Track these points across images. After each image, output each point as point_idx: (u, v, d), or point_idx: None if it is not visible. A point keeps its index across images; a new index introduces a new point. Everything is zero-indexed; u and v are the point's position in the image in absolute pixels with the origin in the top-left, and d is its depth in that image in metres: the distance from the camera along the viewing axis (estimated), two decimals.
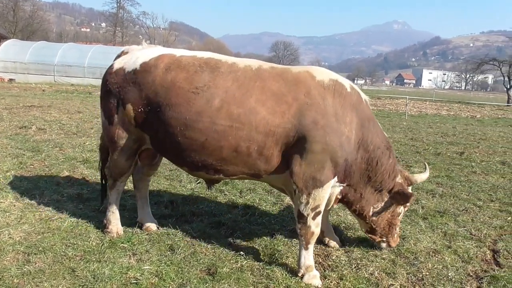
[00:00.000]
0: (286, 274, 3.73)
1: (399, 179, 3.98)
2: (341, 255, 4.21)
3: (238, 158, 3.68)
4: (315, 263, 3.90)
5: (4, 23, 51.61)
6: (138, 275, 3.55)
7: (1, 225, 4.37)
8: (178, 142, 3.75)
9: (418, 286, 3.72)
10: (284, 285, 3.57)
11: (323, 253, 4.26)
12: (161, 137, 3.88)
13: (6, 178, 5.89)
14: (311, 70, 3.84)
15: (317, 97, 3.60)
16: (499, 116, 25.03)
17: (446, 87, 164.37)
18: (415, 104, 31.27)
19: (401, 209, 4.11)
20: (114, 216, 4.36)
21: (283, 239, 4.46)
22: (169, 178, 6.59)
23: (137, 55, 4.02)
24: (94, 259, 3.77)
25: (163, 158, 4.57)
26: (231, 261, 3.91)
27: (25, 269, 3.53)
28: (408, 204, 4.10)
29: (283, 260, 4.02)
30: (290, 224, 4.91)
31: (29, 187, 5.63)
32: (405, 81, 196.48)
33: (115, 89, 3.99)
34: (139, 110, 3.89)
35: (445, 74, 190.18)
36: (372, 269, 3.91)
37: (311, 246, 3.77)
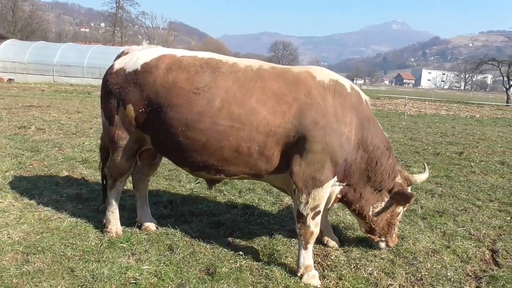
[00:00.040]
0: (285, 274, 3.73)
1: (398, 179, 3.99)
2: (340, 255, 4.21)
3: (239, 158, 3.69)
4: (314, 262, 3.90)
5: (3, 23, 51.56)
6: (137, 275, 3.55)
7: (0, 225, 4.37)
8: (180, 143, 3.76)
9: (417, 286, 3.72)
10: (283, 285, 3.57)
11: (322, 253, 4.27)
12: (162, 137, 3.88)
13: (5, 178, 5.88)
14: (311, 70, 3.84)
15: (317, 97, 3.61)
16: (498, 116, 25.06)
17: (445, 87, 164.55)
18: (414, 104, 31.28)
19: (400, 209, 4.12)
20: (113, 216, 4.36)
21: (282, 239, 4.46)
22: (168, 178, 6.59)
23: (138, 56, 4.02)
24: (93, 259, 3.77)
25: (163, 158, 4.57)
26: (230, 261, 3.91)
27: (24, 269, 3.52)
28: (407, 204, 4.11)
29: (282, 260, 4.02)
30: (289, 224, 4.91)
31: (28, 187, 5.63)
32: (404, 81, 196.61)
33: (115, 90, 3.98)
34: (140, 110, 3.89)
35: (444, 74, 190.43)
36: (371, 269, 3.91)
37: (310, 246, 3.78)
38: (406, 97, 25.70)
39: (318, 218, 3.75)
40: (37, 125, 10.47)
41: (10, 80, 29.33)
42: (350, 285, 3.63)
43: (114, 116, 4.04)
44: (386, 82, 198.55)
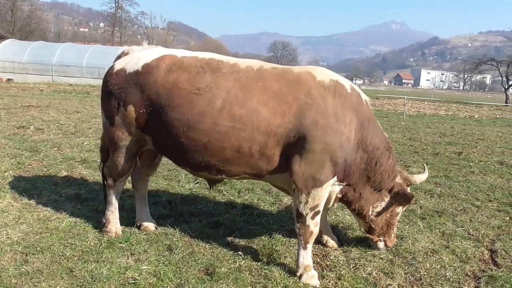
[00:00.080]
0: (284, 274, 3.73)
1: (398, 180, 4.00)
2: (339, 255, 4.21)
3: (241, 158, 3.69)
4: (313, 262, 3.90)
5: (2, 23, 51.53)
6: (136, 275, 3.54)
7: None
8: (181, 143, 3.76)
9: (416, 286, 3.73)
10: (282, 285, 3.57)
11: (321, 253, 4.27)
12: (163, 138, 3.88)
13: (4, 178, 5.88)
14: (312, 70, 3.85)
15: (317, 98, 3.61)
16: (497, 116, 25.09)
17: (444, 87, 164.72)
18: (413, 104, 31.29)
19: (399, 209, 4.13)
20: (113, 216, 4.36)
21: (282, 239, 4.46)
22: (168, 178, 6.59)
23: (138, 56, 4.02)
24: (92, 259, 3.77)
25: (162, 158, 4.57)
26: (229, 261, 3.91)
27: (23, 269, 3.52)
28: (407, 204, 4.12)
29: (281, 260, 4.02)
30: (288, 224, 4.91)
31: (27, 187, 5.62)
32: (403, 81, 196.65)
33: (116, 90, 3.98)
34: (141, 111, 3.89)
35: (443, 74, 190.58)
36: (370, 269, 3.91)
37: (310, 246, 3.78)
38: (405, 97, 25.75)
39: (318, 218, 3.75)
40: (36, 125, 10.46)
41: (9, 80, 29.28)
42: (349, 285, 3.63)
43: (114, 117, 4.03)
44: (385, 82, 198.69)
